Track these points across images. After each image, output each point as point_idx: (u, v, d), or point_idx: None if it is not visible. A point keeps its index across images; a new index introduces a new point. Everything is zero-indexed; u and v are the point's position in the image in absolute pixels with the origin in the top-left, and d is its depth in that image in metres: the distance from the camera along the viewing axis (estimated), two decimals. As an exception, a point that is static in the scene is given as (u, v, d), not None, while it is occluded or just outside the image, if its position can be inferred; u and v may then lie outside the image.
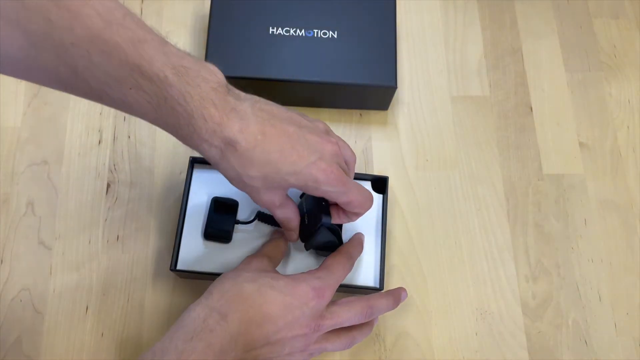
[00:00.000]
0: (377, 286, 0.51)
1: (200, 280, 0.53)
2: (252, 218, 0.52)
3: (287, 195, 0.45)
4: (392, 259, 0.56)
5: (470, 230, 0.58)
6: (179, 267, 0.51)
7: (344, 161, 0.44)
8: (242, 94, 0.41)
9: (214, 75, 0.39)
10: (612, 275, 0.57)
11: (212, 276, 0.48)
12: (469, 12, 0.67)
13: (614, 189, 0.60)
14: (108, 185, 0.57)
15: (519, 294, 0.56)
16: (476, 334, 0.54)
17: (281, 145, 0.40)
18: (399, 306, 0.54)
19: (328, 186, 0.41)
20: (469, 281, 0.56)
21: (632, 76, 0.65)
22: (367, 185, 0.55)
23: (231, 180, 0.41)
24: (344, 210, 0.46)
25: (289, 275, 0.45)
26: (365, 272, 0.53)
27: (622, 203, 0.60)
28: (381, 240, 0.53)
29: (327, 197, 0.43)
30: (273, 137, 0.39)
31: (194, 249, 0.52)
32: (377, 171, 0.59)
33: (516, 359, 0.54)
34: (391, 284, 0.55)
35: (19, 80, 0.60)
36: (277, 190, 0.43)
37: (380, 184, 0.55)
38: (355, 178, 0.55)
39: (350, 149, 0.47)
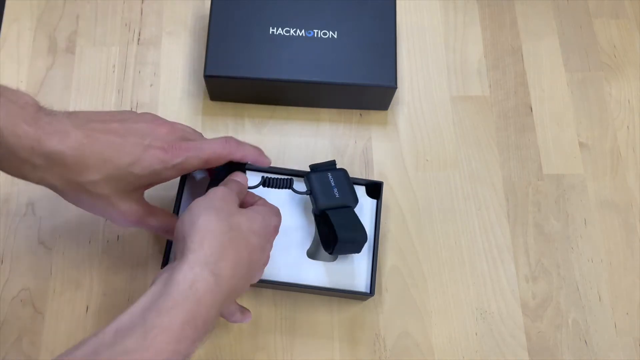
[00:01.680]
0: (368, 291, 0.51)
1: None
2: (256, 184, 0.50)
3: (146, 202, 0.44)
4: (392, 259, 0.56)
5: (470, 231, 0.58)
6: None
7: (186, 135, 0.44)
8: (55, 110, 0.39)
9: (22, 97, 0.37)
10: (612, 275, 0.57)
11: None
12: (469, 12, 0.67)
13: (613, 189, 0.60)
14: (108, 185, 0.57)
15: (519, 294, 0.56)
16: (476, 334, 0.54)
17: (110, 141, 0.39)
18: (399, 306, 0.54)
19: (180, 159, 0.41)
20: (469, 281, 0.56)
21: (632, 76, 0.65)
22: (362, 190, 0.55)
23: (77, 202, 0.40)
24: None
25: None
26: (357, 277, 0.52)
27: (622, 203, 0.60)
28: (374, 245, 0.53)
29: (202, 167, 0.44)
30: (99, 137, 0.38)
31: None
32: (377, 171, 0.59)
33: (516, 359, 0.54)
34: (391, 283, 0.55)
35: (19, 79, 0.61)
36: (131, 193, 0.41)
37: (374, 189, 0.55)
38: (354, 184, 0.55)
39: (191, 128, 0.46)
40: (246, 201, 0.46)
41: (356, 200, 0.51)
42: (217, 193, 0.42)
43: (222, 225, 0.38)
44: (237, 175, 0.46)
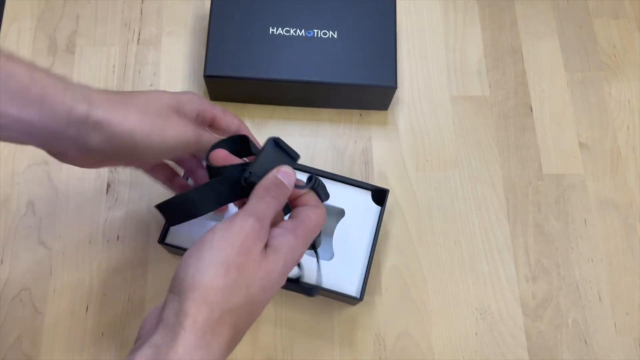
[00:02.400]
0: (358, 296, 0.51)
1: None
2: (304, 184, 0.41)
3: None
4: (392, 259, 0.56)
5: (470, 231, 0.58)
6: (167, 240, 0.51)
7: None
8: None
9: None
10: (612, 275, 0.57)
11: None
12: (469, 12, 0.67)
13: (613, 189, 0.60)
14: (108, 186, 0.57)
15: (519, 294, 0.56)
16: (476, 334, 0.54)
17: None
18: (399, 306, 0.54)
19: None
20: (469, 281, 0.56)
21: (632, 76, 0.65)
22: (367, 195, 0.55)
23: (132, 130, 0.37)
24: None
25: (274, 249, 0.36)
26: (350, 279, 0.52)
27: (622, 203, 0.60)
28: (371, 249, 0.52)
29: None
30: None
31: (187, 226, 0.52)
32: (377, 171, 0.59)
33: (516, 359, 0.54)
34: (391, 284, 0.55)
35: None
36: (183, 119, 0.41)
37: (380, 196, 0.55)
38: (355, 185, 0.55)
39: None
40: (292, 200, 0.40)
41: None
42: (241, 234, 0.34)
43: (230, 293, 0.33)
44: (282, 175, 0.38)
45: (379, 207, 0.54)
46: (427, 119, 0.62)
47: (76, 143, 0.36)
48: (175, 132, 0.40)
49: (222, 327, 0.33)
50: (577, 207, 0.59)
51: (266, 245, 0.36)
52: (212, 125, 0.45)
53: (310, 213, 0.39)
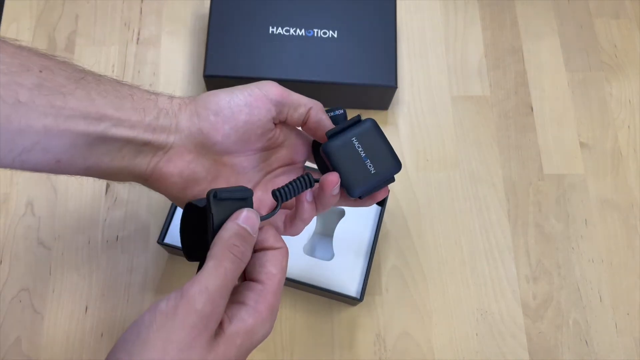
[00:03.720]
0: (358, 297, 0.51)
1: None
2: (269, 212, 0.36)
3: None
4: (392, 259, 0.56)
5: (470, 231, 0.58)
6: (166, 241, 0.51)
7: None
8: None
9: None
10: (612, 276, 0.57)
11: None
12: (469, 12, 0.67)
13: (614, 189, 0.60)
14: (107, 186, 0.57)
15: (520, 294, 0.56)
16: (477, 335, 0.54)
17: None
18: (399, 306, 0.54)
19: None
20: (469, 281, 0.56)
21: (633, 76, 0.65)
22: None
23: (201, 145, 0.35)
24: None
25: (239, 330, 0.30)
26: (350, 279, 0.52)
27: (622, 203, 0.60)
28: (371, 250, 0.52)
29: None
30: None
31: None
32: (377, 171, 0.59)
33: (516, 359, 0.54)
34: (391, 283, 0.55)
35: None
36: (247, 145, 0.36)
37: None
38: None
39: None
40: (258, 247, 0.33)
41: (399, 164, 0.37)
42: (185, 325, 0.27)
43: None
44: (245, 221, 0.32)
45: (379, 207, 0.54)
46: (428, 119, 0.62)
47: (170, 132, 0.35)
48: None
49: None
50: (577, 207, 0.59)
51: (220, 324, 0.29)
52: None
53: (271, 268, 0.32)
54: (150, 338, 0.27)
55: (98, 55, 0.62)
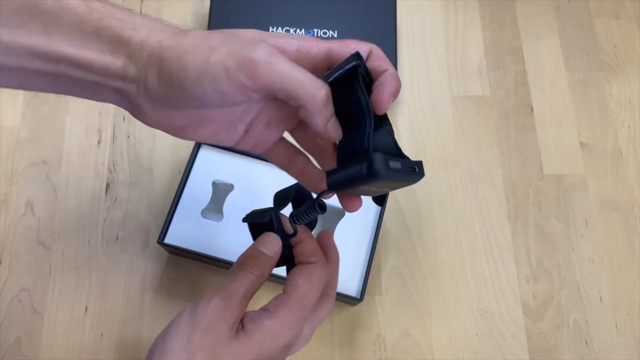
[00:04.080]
0: (358, 297, 0.51)
1: (198, 282, 0.53)
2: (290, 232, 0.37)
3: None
4: (392, 259, 0.56)
5: (470, 231, 0.58)
6: (166, 241, 0.51)
7: None
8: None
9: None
10: (612, 276, 0.57)
11: (201, 257, 0.49)
12: (469, 12, 0.67)
13: (614, 189, 0.60)
14: (107, 186, 0.57)
15: (520, 294, 0.56)
16: (477, 335, 0.54)
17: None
18: (399, 306, 0.54)
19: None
20: (469, 281, 0.56)
21: (633, 76, 0.65)
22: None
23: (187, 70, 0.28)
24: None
25: (256, 329, 0.33)
26: (351, 279, 0.52)
27: (622, 203, 0.60)
28: (371, 250, 0.52)
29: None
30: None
31: (187, 226, 0.52)
32: (377, 171, 0.59)
33: (517, 360, 0.54)
34: (391, 284, 0.55)
35: (18, 80, 0.60)
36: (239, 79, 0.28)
37: (380, 195, 0.54)
38: None
39: None
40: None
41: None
42: (205, 314, 0.32)
43: None
44: (263, 245, 0.36)
45: (379, 207, 0.54)
46: (428, 119, 0.62)
47: (140, 87, 0.30)
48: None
49: None
50: (577, 207, 0.59)
51: (242, 323, 0.33)
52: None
53: (298, 280, 0.34)
54: (179, 331, 0.32)
55: (98, 55, 0.62)
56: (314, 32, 0.58)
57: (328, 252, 0.39)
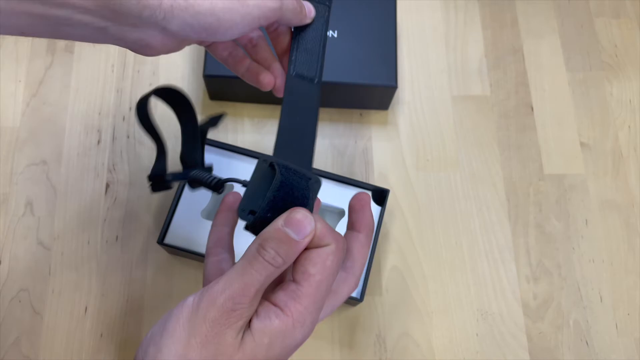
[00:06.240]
0: (358, 297, 0.51)
1: (198, 282, 0.53)
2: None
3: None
4: (392, 259, 0.56)
5: (471, 231, 0.58)
6: (166, 241, 0.51)
7: None
8: None
9: None
10: (613, 276, 0.57)
11: (201, 257, 0.49)
12: (469, 12, 0.67)
13: (615, 189, 0.60)
14: (107, 186, 0.57)
15: (520, 294, 0.56)
16: (477, 335, 0.54)
17: None
18: (399, 307, 0.54)
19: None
20: (469, 282, 0.56)
21: (634, 76, 0.65)
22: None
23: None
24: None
25: (265, 330, 0.29)
26: None
27: (623, 203, 0.60)
28: (372, 250, 0.52)
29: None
30: None
31: (187, 226, 0.52)
32: (377, 171, 0.59)
33: (517, 360, 0.53)
34: (391, 284, 0.55)
35: (18, 80, 0.60)
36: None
37: (380, 196, 0.54)
38: (355, 186, 0.54)
39: None
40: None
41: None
42: (207, 319, 0.28)
43: None
44: (291, 226, 0.29)
45: (379, 207, 0.54)
46: (428, 119, 0.62)
47: (155, 29, 0.31)
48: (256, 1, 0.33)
49: None
50: (578, 207, 0.59)
51: (250, 321, 0.29)
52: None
53: (310, 268, 0.30)
54: (176, 330, 0.28)
55: (98, 55, 0.62)
56: (314, 31, 0.58)
57: (361, 220, 0.35)
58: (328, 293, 0.30)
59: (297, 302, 0.29)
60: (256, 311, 0.29)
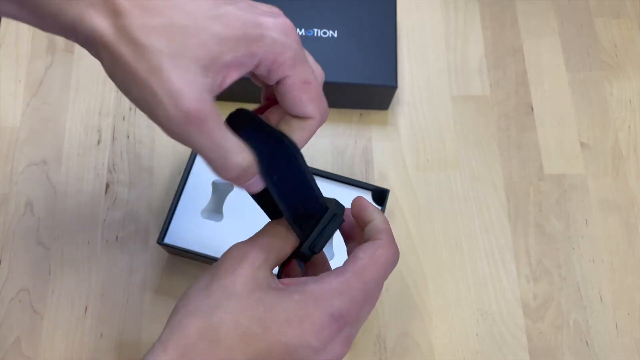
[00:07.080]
0: None
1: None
2: None
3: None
4: (393, 259, 0.56)
5: (470, 231, 0.58)
6: (166, 241, 0.51)
7: None
8: None
9: None
10: (613, 276, 0.57)
11: (201, 257, 0.49)
12: (469, 12, 0.67)
13: (615, 189, 0.60)
14: (107, 186, 0.57)
15: (520, 294, 0.56)
16: (477, 335, 0.54)
17: None
18: (399, 307, 0.54)
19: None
20: (469, 282, 0.56)
21: (634, 76, 0.65)
22: (368, 195, 0.55)
23: (122, 66, 0.28)
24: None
25: (297, 289, 0.30)
26: None
27: (623, 203, 0.60)
28: None
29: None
30: None
31: (187, 226, 0.52)
32: (377, 171, 0.59)
33: (517, 360, 0.53)
34: (391, 284, 0.55)
35: (18, 79, 0.60)
36: (194, 67, 0.27)
37: (380, 196, 0.54)
38: (355, 186, 0.54)
39: None
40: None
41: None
42: (237, 282, 0.30)
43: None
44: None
45: (380, 208, 0.54)
46: (428, 119, 0.62)
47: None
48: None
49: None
50: (578, 207, 0.59)
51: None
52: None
53: (359, 253, 0.32)
54: (201, 277, 0.31)
55: (98, 55, 0.62)
56: (314, 31, 0.58)
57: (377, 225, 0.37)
58: (374, 285, 0.31)
59: (337, 276, 0.31)
60: (289, 278, 0.32)
